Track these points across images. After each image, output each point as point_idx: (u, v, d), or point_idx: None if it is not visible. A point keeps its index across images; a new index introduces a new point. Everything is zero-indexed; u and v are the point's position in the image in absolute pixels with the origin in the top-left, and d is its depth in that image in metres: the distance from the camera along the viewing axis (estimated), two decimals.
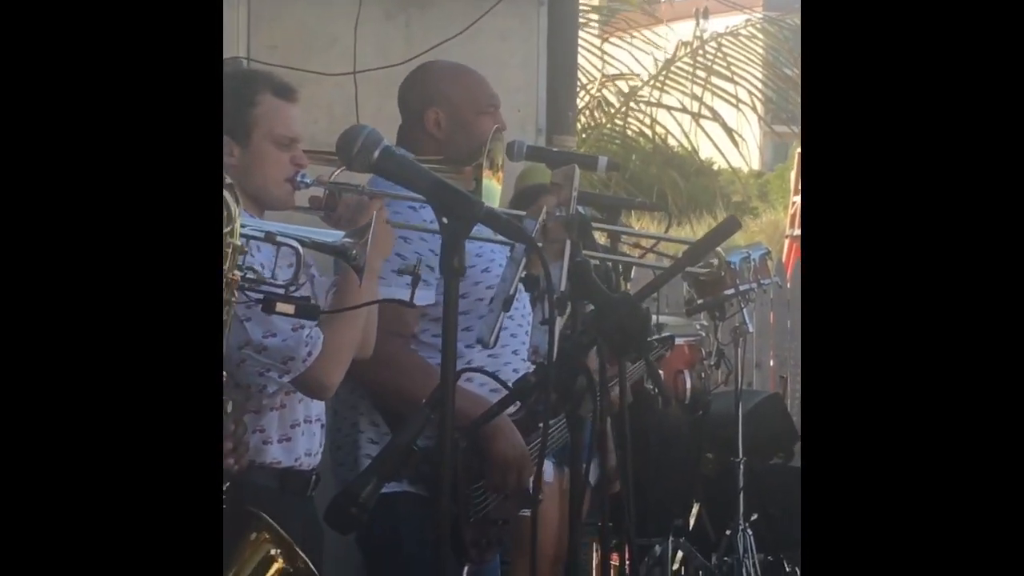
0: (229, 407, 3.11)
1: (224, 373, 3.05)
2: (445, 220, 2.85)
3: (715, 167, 16.35)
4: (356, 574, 4.49)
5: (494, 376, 3.42)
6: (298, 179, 3.80)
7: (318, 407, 3.87)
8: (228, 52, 6.14)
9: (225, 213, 3.00)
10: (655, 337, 6.43)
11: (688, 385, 7.26)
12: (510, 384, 3.19)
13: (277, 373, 3.61)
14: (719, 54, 12.91)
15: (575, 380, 2.92)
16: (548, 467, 4.30)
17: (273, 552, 3.03)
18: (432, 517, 2.92)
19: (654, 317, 6.46)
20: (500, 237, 3.63)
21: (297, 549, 3.04)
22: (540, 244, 3.14)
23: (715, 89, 12.83)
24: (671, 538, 7.37)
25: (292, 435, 3.78)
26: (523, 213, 3.61)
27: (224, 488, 3.01)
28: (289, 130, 3.80)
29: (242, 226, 3.20)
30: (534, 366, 3.21)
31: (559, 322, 3.06)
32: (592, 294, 3.04)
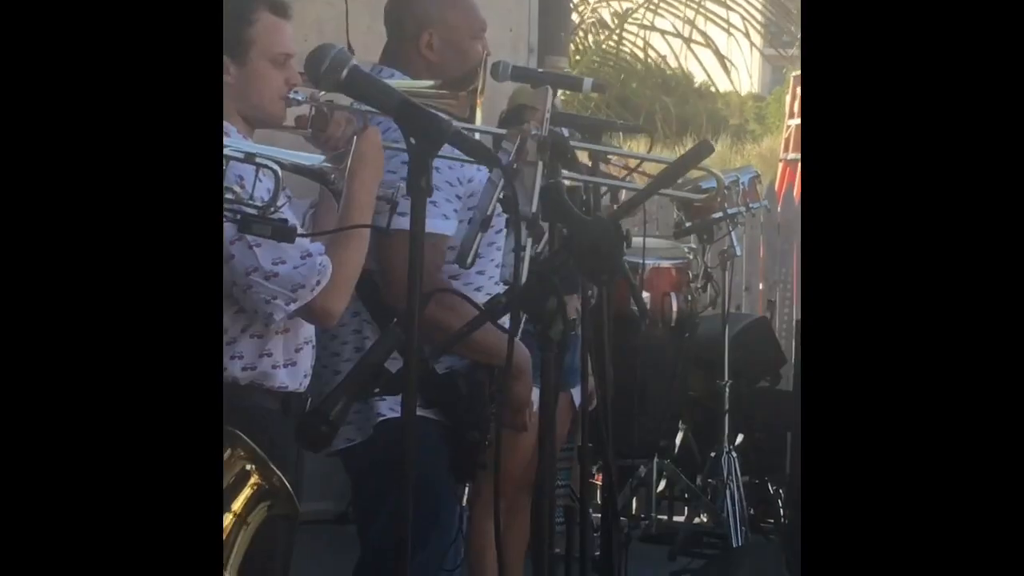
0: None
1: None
2: (413, 140, 2.86)
3: (712, 90, 16.31)
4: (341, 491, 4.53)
5: (465, 296, 3.43)
6: (290, 96, 3.80)
7: (313, 329, 3.89)
8: None
9: None
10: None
11: (675, 307, 7.29)
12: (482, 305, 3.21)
13: (284, 301, 3.61)
14: None
15: (546, 301, 2.93)
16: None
17: (248, 468, 3.05)
18: (443, 441, 2.91)
19: (640, 239, 6.46)
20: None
21: (272, 466, 3.06)
22: (515, 165, 3.15)
23: (708, 14, 12.79)
24: (656, 459, 7.43)
25: (297, 359, 3.79)
26: (504, 132, 3.60)
27: None
28: (285, 47, 3.80)
29: (223, 145, 3.22)
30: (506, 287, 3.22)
31: (530, 245, 3.08)
32: (564, 215, 3.05)
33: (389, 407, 3.95)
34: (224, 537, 3.00)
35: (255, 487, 3.06)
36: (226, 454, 3.03)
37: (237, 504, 3.03)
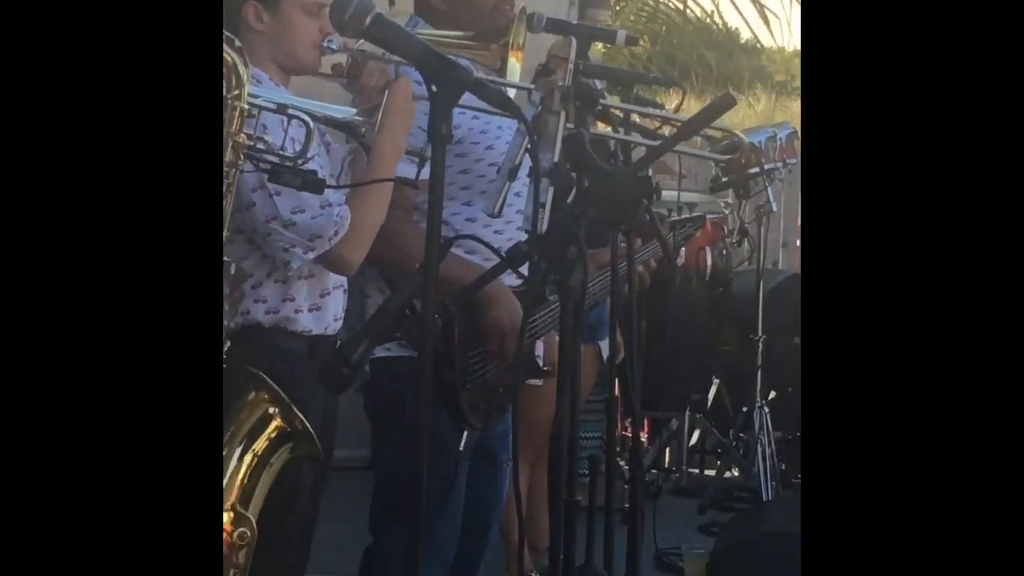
0: (232, 269, 3.16)
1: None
2: (434, 88, 2.88)
3: (757, 46, 16.25)
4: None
5: (485, 243, 3.46)
6: (324, 44, 3.82)
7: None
8: None
9: (234, 78, 3.04)
10: (686, 216, 6.46)
11: (709, 262, 7.31)
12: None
13: (302, 250, 3.66)
14: None
15: (566, 250, 2.96)
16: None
17: (271, 411, 3.10)
18: (416, 382, 2.97)
19: (675, 194, 6.47)
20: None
21: (295, 409, 3.10)
22: (537, 115, 3.17)
23: None
24: (688, 413, 7.46)
25: (322, 304, 3.83)
26: (527, 86, 3.62)
27: (224, 349, 3.07)
28: None
29: (255, 96, 3.25)
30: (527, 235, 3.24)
31: (551, 194, 3.10)
32: (586, 165, 3.08)
33: (383, 346, 3.97)
34: (246, 477, 3.05)
35: (277, 429, 3.10)
36: (249, 396, 3.07)
37: (258, 445, 3.07)
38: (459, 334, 3.91)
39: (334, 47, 3.82)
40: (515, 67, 3.88)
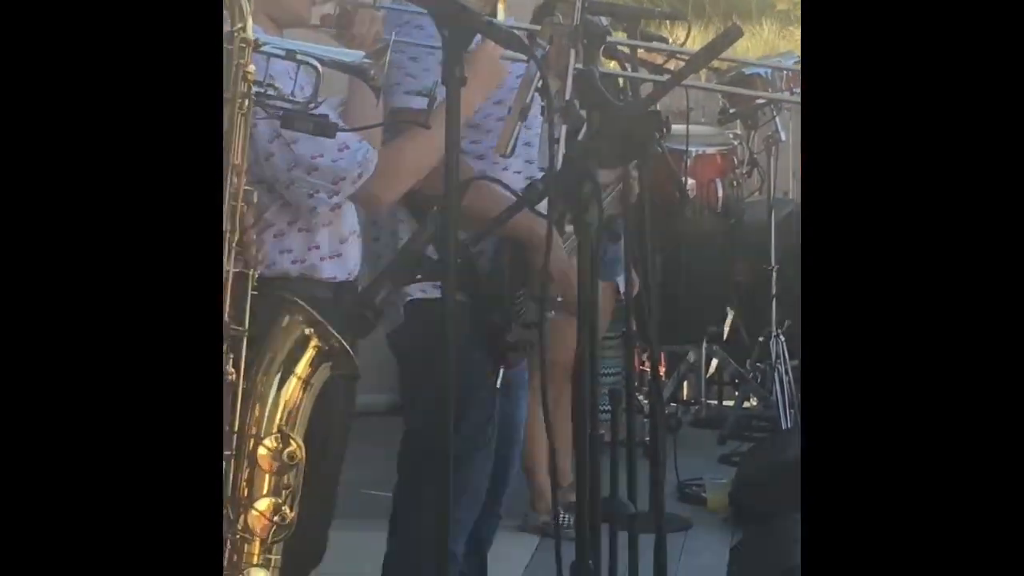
0: (255, 197, 3.19)
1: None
2: (446, 32, 2.91)
3: None
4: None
5: (501, 183, 3.49)
6: None
7: (356, 220, 3.97)
8: None
9: (236, 9, 3.07)
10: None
11: (720, 193, 7.33)
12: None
13: (327, 194, 3.69)
14: None
15: (581, 186, 3.00)
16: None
17: (307, 332, 3.13)
18: (439, 320, 3.01)
19: (683, 127, 6.48)
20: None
21: (330, 328, 3.12)
22: (544, 54, 3.19)
23: None
24: (704, 345, 7.50)
25: (342, 250, 3.86)
26: (530, 27, 3.65)
27: (254, 275, 3.11)
28: None
29: (263, 43, 3.28)
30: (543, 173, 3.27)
31: (565, 132, 3.13)
32: (597, 102, 3.10)
33: (419, 288, 4.01)
34: (289, 400, 3.10)
35: (316, 349, 3.13)
36: (284, 320, 3.11)
37: (300, 368, 3.11)
38: (510, 273, 3.96)
39: None
40: (501, 12, 3.91)
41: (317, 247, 3.79)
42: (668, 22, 6.60)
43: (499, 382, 4.11)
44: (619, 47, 4.48)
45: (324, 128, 3.27)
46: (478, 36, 3.16)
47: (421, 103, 3.55)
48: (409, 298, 4.10)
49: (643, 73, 4.60)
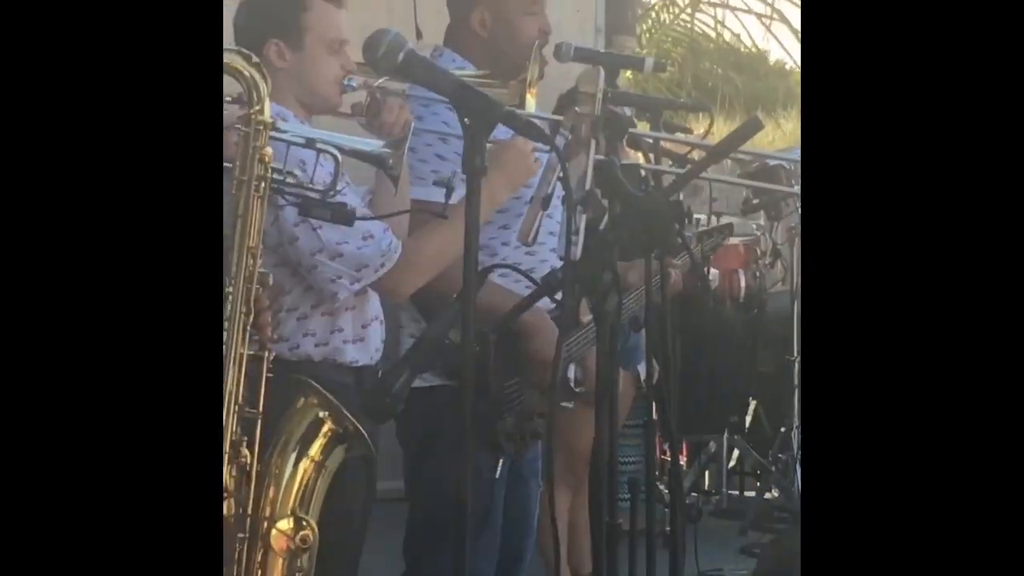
0: (270, 280, 3.20)
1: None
2: (467, 121, 2.94)
3: (787, 67, 16.25)
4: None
5: (521, 271, 3.51)
6: (345, 83, 3.88)
7: (379, 305, 3.99)
8: None
9: (253, 92, 3.11)
10: (712, 227, 6.47)
11: (743, 284, 7.34)
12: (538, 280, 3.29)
13: (348, 280, 3.71)
14: None
15: (601, 276, 3.01)
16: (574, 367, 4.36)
17: (321, 415, 3.14)
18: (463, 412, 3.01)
19: (704, 218, 6.50)
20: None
21: (345, 411, 3.13)
22: (566, 144, 3.22)
23: None
24: (726, 435, 7.48)
25: (365, 335, 3.88)
26: (553, 117, 3.68)
27: (269, 357, 3.12)
28: (340, 33, 3.88)
29: (283, 131, 3.32)
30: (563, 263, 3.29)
31: (585, 221, 3.15)
32: (617, 192, 3.12)
33: (419, 376, 4.01)
34: (303, 482, 3.10)
35: (330, 433, 3.14)
36: (299, 402, 3.12)
37: (314, 450, 3.12)
38: (495, 363, 3.95)
39: (354, 85, 3.88)
40: (531, 103, 3.94)
41: (340, 330, 3.81)
42: (693, 113, 6.62)
43: (498, 472, 4.08)
44: (643, 138, 4.51)
45: (342, 216, 3.30)
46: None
47: (440, 193, 3.59)
48: (412, 386, 4.11)
49: (666, 163, 4.62)
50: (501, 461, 4.05)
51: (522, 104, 3.90)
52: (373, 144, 3.52)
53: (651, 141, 4.49)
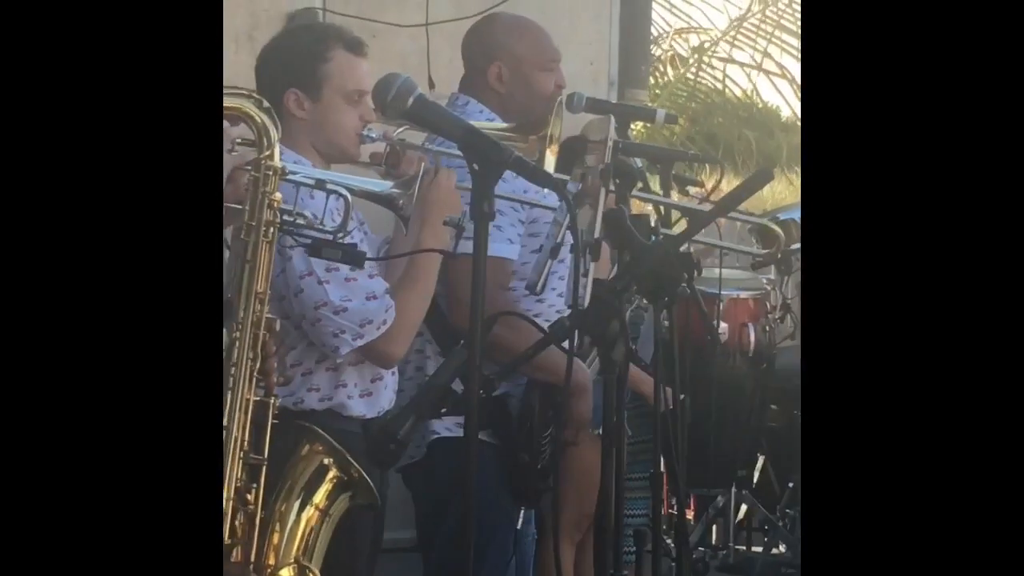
0: (277, 325, 3.19)
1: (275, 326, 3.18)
2: (476, 167, 2.94)
3: (797, 123, 16.29)
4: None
5: (529, 319, 3.51)
6: (364, 133, 3.89)
7: None
8: (302, 3, 6.27)
9: (264, 138, 3.10)
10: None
11: (752, 338, 7.31)
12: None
13: (351, 336, 3.70)
14: (790, 9, 12.89)
15: (609, 324, 3.01)
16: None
17: (326, 462, 3.13)
18: (497, 462, 2.97)
19: (717, 270, 6.49)
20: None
21: (350, 458, 3.12)
22: (575, 193, 3.22)
23: (784, 45, 12.81)
24: (734, 489, 7.44)
25: (373, 389, 3.86)
26: (567, 178, 3.69)
27: (275, 403, 3.10)
28: (359, 84, 3.89)
29: (293, 173, 3.32)
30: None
31: (593, 269, 3.15)
32: (626, 240, 3.12)
33: (445, 426, 4.01)
34: (307, 530, 3.08)
35: (334, 480, 3.13)
36: (303, 449, 3.11)
37: (318, 498, 3.11)
38: (542, 419, 3.96)
39: (374, 136, 3.89)
40: (551, 160, 3.94)
41: (344, 385, 3.80)
42: (703, 166, 6.64)
43: (520, 523, 4.08)
44: (652, 191, 4.52)
45: (353, 256, 3.30)
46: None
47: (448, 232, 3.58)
48: (435, 436, 4.10)
49: (675, 215, 4.62)
50: (523, 510, 4.06)
51: (541, 160, 3.90)
52: (383, 185, 3.53)
53: (661, 194, 4.50)
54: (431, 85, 5.88)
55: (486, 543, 3.93)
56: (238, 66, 4.13)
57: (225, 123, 3.08)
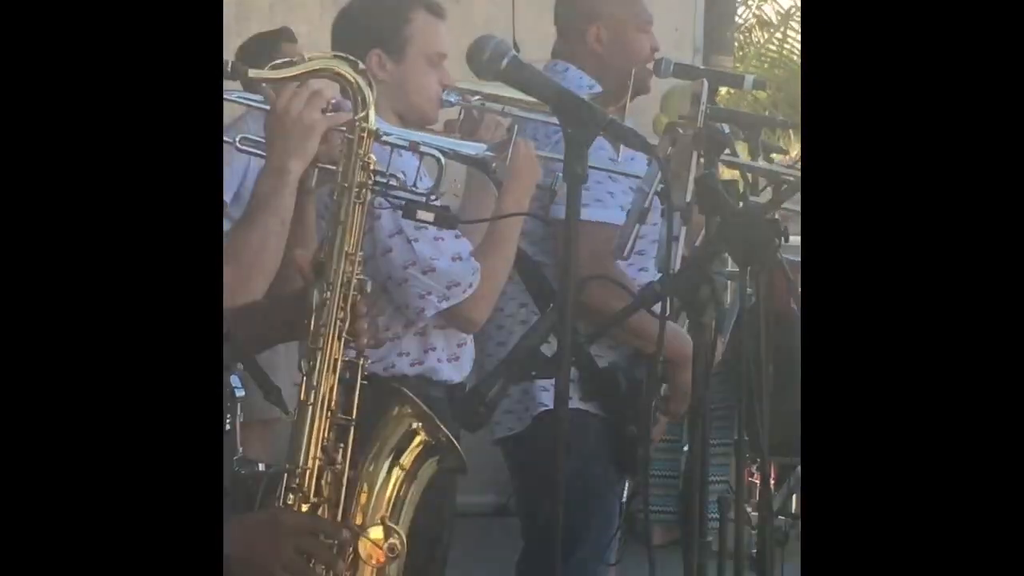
0: (368, 287, 3.19)
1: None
2: (569, 129, 2.92)
3: None
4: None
5: (619, 283, 3.50)
6: (443, 96, 3.88)
7: None
8: None
9: (359, 99, 3.09)
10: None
11: None
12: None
13: (437, 297, 3.70)
14: None
15: (698, 289, 3.00)
16: None
17: (415, 425, 3.12)
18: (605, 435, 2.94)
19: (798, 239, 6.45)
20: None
21: (438, 422, 3.13)
22: (668, 157, 3.21)
23: None
24: None
25: (460, 354, 3.88)
26: (654, 143, 3.67)
27: (364, 364, 3.10)
28: (440, 47, 3.88)
29: (387, 134, 3.31)
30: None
31: (684, 234, 3.14)
32: (717, 206, 3.11)
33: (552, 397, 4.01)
34: (394, 492, 3.08)
35: (422, 444, 3.13)
36: (393, 411, 3.11)
37: (405, 460, 3.10)
38: (649, 392, 3.96)
39: (452, 100, 3.88)
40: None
41: (434, 348, 3.80)
42: (786, 132, 6.61)
43: (625, 495, 4.08)
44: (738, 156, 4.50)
45: (446, 219, 3.30)
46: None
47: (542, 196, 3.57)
48: (544, 408, 4.08)
49: (761, 183, 4.60)
50: (627, 484, 4.06)
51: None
52: (477, 147, 3.53)
53: (749, 159, 4.47)
54: (516, 49, 5.87)
55: (589, 518, 3.94)
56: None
57: (320, 83, 3.08)
